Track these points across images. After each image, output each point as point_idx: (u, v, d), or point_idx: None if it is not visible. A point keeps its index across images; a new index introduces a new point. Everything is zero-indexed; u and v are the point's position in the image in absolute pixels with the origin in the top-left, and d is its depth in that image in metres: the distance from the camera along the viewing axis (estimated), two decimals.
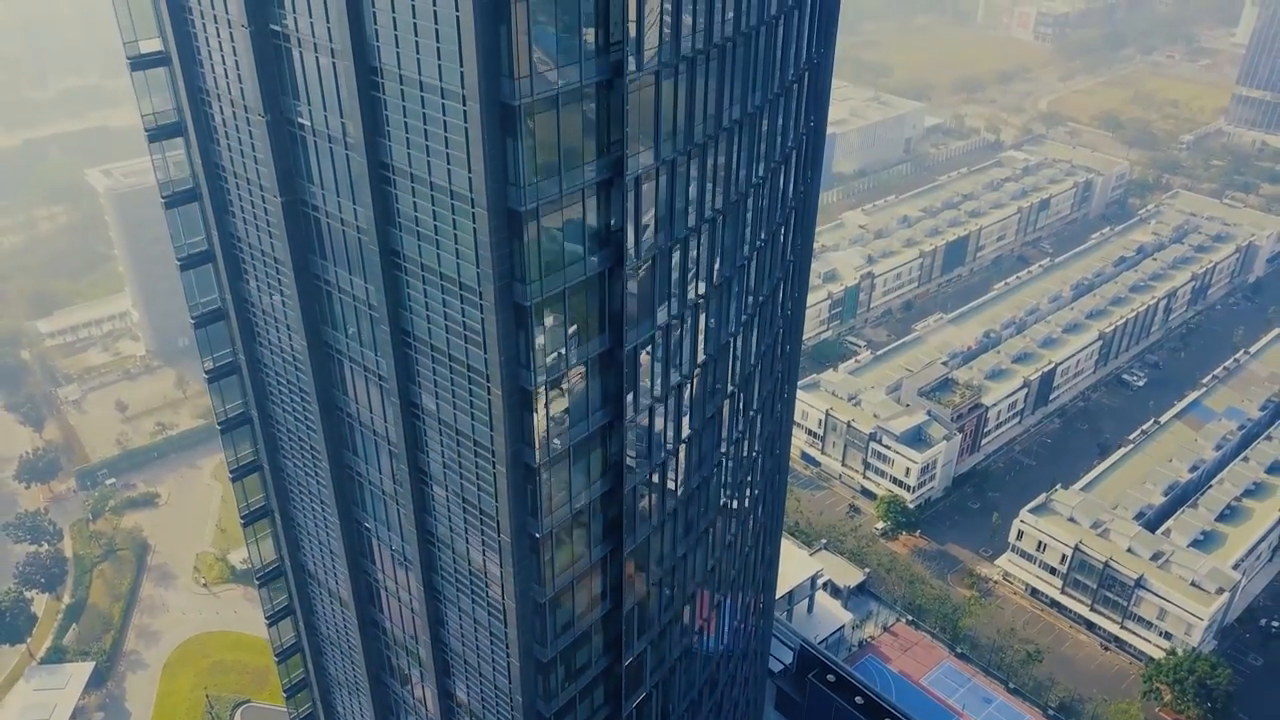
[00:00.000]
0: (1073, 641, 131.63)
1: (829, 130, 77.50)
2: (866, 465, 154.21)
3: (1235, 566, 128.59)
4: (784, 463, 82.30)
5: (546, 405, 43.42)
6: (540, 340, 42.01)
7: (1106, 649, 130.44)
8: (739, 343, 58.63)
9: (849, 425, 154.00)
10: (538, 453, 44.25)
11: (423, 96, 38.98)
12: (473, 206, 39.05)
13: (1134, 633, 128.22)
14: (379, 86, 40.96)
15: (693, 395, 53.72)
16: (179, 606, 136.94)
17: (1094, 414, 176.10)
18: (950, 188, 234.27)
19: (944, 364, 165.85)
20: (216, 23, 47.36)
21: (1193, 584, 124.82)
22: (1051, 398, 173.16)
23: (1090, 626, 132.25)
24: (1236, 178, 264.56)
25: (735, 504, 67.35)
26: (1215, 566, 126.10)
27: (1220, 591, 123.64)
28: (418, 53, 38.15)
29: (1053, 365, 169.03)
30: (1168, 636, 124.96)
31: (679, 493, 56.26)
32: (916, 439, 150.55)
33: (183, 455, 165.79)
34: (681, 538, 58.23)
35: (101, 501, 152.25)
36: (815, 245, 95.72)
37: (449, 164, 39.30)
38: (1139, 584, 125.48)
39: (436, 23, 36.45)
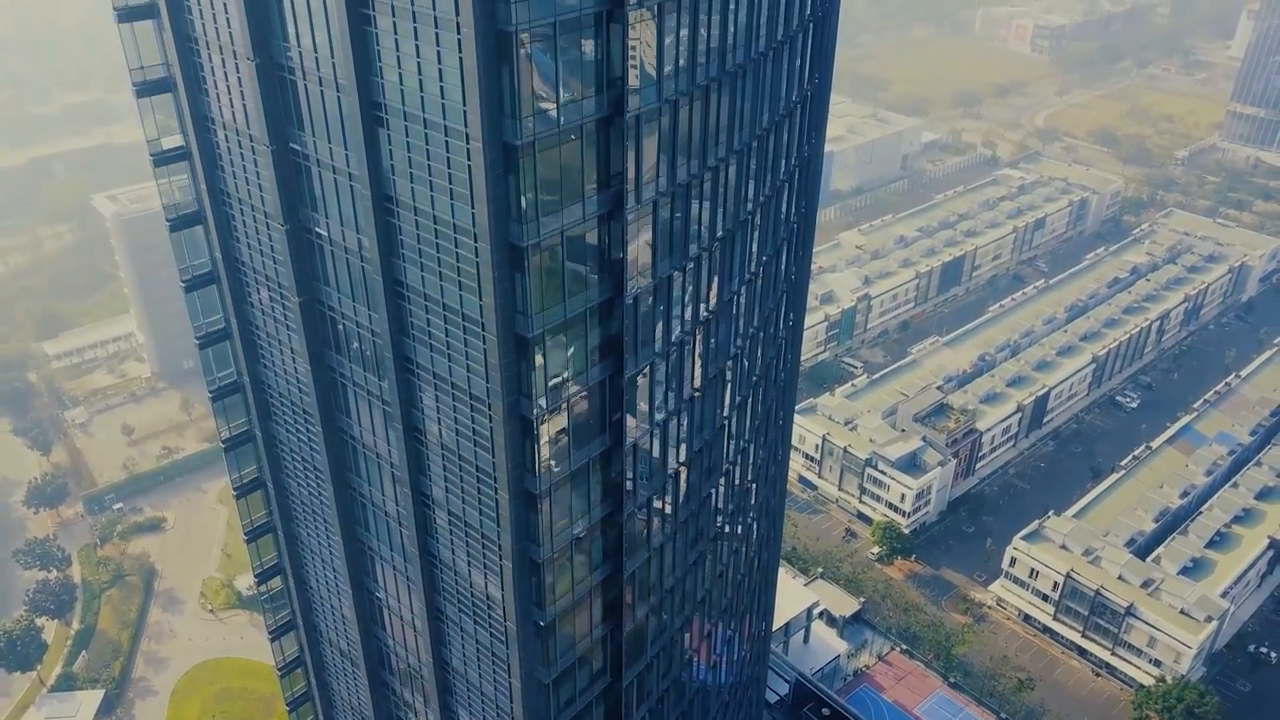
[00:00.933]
0: (1064, 668, 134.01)
1: (826, 148, 78.73)
2: (862, 490, 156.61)
3: (1224, 594, 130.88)
4: (778, 522, 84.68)
5: (551, 507, 45.95)
6: (543, 448, 44.55)
7: (1098, 675, 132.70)
8: (732, 423, 60.98)
9: (845, 450, 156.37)
10: (542, 549, 46.75)
11: (436, 229, 41.54)
12: (483, 330, 41.62)
13: (1125, 660, 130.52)
14: (394, 214, 43.48)
15: (689, 479, 56.23)
16: (186, 632, 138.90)
17: (1087, 436, 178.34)
18: (946, 206, 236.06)
19: (939, 388, 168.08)
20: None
21: (1182, 612, 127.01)
22: (1045, 421, 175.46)
23: (1082, 653, 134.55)
24: (1230, 195, 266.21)
25: (728, 583, 69.47)
26: (1204, 595, 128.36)
27: (1209, 620, 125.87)
28: (431, 190, 40.71)
29: (1046, 389, 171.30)
30: (1157, 664, 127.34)
31: (675, 570, 58.71)
32: (912, 465, 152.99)
33: (188, 479, 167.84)
34: (679, 609, 60.70)
35: (109, 527, 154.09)
36: (813, 267, 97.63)
37: (461, 290, 41.90)
38: (1129, 611, 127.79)
39: (450, 167, 39.07)
